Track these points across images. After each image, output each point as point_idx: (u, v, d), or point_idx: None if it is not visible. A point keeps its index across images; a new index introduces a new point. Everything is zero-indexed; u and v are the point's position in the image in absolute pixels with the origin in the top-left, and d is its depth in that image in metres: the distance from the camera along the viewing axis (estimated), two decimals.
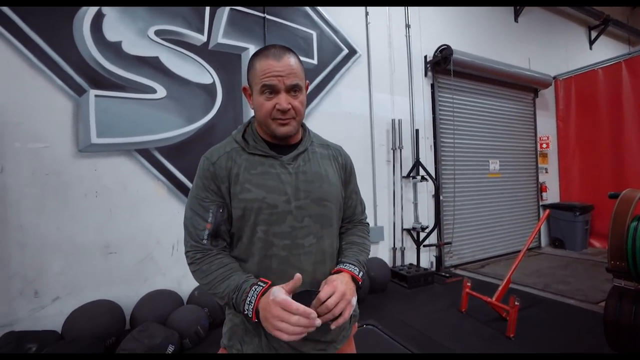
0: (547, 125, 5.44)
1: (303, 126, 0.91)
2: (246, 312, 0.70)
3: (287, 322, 0.65)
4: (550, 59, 5.48)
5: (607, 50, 6.32)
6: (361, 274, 0.84)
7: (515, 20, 5.08)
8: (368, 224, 1.03)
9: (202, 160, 0.82)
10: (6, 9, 2.24)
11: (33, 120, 2.33)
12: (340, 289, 0.73)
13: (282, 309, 0.66)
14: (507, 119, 4.92)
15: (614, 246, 1.64)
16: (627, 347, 1.59)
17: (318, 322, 0.66)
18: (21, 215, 2.28)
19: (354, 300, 0.77)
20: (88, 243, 2.47)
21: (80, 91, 2.45)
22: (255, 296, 0.70)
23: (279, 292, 0.68)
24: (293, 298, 0.69)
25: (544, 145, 5.28)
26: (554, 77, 5.46)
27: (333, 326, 0.72)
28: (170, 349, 2.03)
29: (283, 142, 0.84)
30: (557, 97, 5.58)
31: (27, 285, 2.29)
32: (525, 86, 5.01)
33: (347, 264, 0.84)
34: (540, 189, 5.31)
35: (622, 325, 1.57)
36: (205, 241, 0.79)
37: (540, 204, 5.29)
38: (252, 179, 0.79)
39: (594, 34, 6.28)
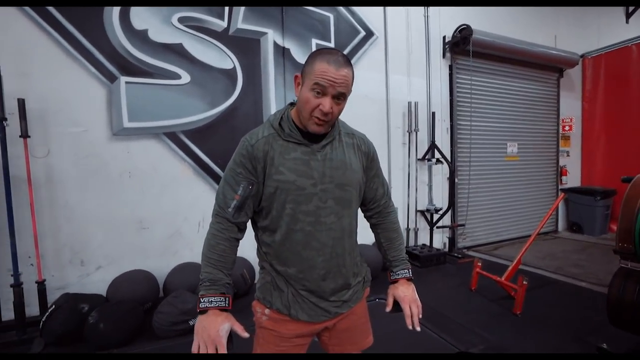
0: (571, 107, 5.25)
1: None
2: (201, 304, 0.84)
3: (203, 349, 0.80)
4: (579, 36, 5.20)
5: None
6: (411, 271, 1.07)
7: None
8: (395, 210, 1.15)
9: (243, 141, 0.93)
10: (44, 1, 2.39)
11: (72, 107, 2.53)
12: (416, 302, 1.00)
13: (213, 344, 0.80)
14: (528, 101, 4.79)
15: (623, 229, 1.69)
16: (629, 324, 1.67)
17: None
18: (67, 193, 2.53)
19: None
20: (124, 219, 2.71)
21: (112, 78, 2.62)
22: (213, 305, 0.85)
23: (224, 333, 0.82)
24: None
25: (567, 128, 5.13)
26: (582, 55, 5.22)
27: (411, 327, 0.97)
28: None
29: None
30: (584, 76, 5.34)
31: (74, 255, 2.57)
32: (549, 66, 4.82)
33: (403, 271, 1.06)
34: (561, 172, 5.21)
35: (625, 303, 1.64)
36: (230, 210, 0.91)
37: (560, 187, 5.20)
38: (286, 163, 0.90)
39: (632, 7, 5.86)
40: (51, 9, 2.42)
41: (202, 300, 0.85)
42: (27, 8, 2.35)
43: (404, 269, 1.07)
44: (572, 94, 5.29)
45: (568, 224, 5.27)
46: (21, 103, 2.23)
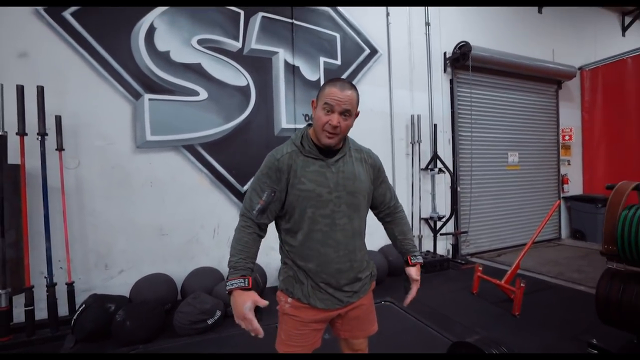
0: (570, 117, 5.41)
1: (345, 137, 1.19)
2: (227, 287, 1.01)
3: (243, 325, 0.97)
4: (576, 49, 5.40)
5: None
6: (420, 257, 1.29)
7: (539, 11, 5.05)
8: (402, 209, 1.35)
9: (269, 156, 1.12)
10: (79, 27, 2.66)
11: (100, 122, 2.76)
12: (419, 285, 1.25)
13: (245, 319, 0.96)
14: (528, 112, 4.96)
15: (608, 232, 1.82)
16: (615, 321, 1.79)
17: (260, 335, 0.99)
18: (94, 202, 2.74)
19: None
20: (145, 225, 2.91)
21: (137, 95, 2.86)
22: (235, 286, 1.00)
23: (248, 310, 0.96)
24: None
25: (567, 137, 5.27)
26: (580, 68, 5.40)
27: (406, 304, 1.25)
28: (218, 313, 2.43)
29: (328, 148, 1.13)
30: (583, 88, 5.51)
31: (99, 259, 2.77)
32: (547, 78, 5.00)
33: (419, 257, 1.27)
34: (562, 181, 5.32)
35: (611, 301, 1.78)
36: (254, 212, 1.08)
37: (562, 195, 5.31)
38: (306, 174, 1.08)
39: (627, 20, 6.07)
40: (85, 33, 2.68)
41: (227, 284, 1.01)
42: (63, 33, 2.61)
43: (418, 256, 1.29)
44: (571, 105, 5.44)
45: (571, 232, 5.36)
46: (58, 120, 2.47)
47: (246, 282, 1.01)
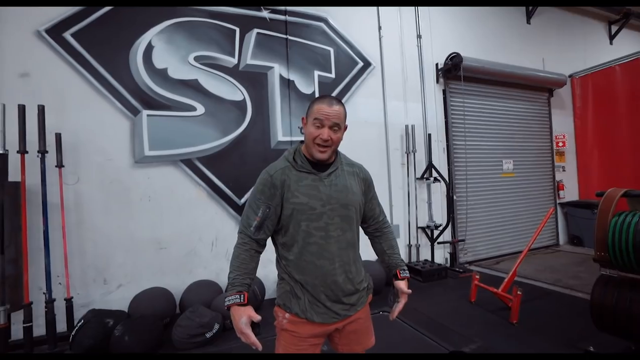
0: (563, 124, 5.49)
1: (336, 151, 1.24)
2: (225, 303, 1.05)
3: (243, 339, 1.03)
4: (566, 57, 5.52)
5: (629, 43, 6.23)
6: (407, 271, 1.31)
7: (528, 22, 5.19)
8: (389, 224, 1.38)
9: (263, 173, 1.16)
10: (79, 47, 2.73)
11: (100, 138, 2.81)
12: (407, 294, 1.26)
13: (242, 333, 1.02)
14: (521, 120, 5.04)
15: (599, 239, 1.86)
16: (610, 326, 1.81)
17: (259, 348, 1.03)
18: (93, 217, 2.77)
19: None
20: (144, 239, 2.93)
21: (135, 112, 2.92)
22: (231, 302, 1.04)
23: (244, 325, 1.01)
24: None
25: (560, 144, 5.34)
26: (570, 76, 5.51)
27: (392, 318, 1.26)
28: (216, 326, 2.43)
29: (321, 162, 1.17)
30: (574, 95, 5.61)
31: (98, 274, 2.77)
32: (538, 87, 5.10)
33: (406, 272, 1.30)
34: (558, 187, 5.37)
35: (605, 307, 1.80)
36: (252, 229, 1.12)
37: (558, 202, 5.35)
38: (300, 188, 1.12)
39: (614, 29, 6.23)
40: (85, 53, 2.75)
41: (225, 300, 1.06)
42: (63, 53, 2.68)
43: (406, 270, 1.32)
44: (563, 112, 5.53)
45: (569, 238, 5.37)
46: (58, 137, 2.52)
47: (242, 298, 1.05)
